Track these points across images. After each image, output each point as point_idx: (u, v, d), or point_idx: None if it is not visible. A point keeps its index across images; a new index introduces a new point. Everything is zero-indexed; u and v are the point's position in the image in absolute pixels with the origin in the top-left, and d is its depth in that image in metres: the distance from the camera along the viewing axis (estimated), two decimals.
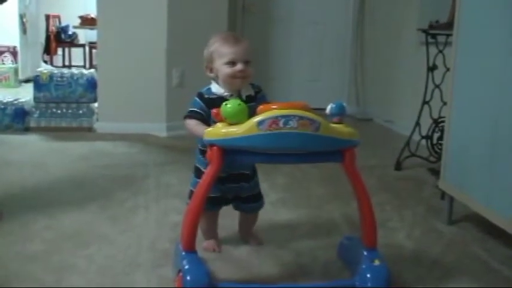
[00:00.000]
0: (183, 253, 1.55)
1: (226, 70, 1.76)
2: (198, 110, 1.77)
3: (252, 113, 1.51)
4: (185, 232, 1.56)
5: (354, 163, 1.56)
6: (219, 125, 1.52)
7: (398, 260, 1.86)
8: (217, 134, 1.50)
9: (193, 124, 1.75)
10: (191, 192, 1.82)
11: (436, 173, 2.72)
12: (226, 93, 1.78)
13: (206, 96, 1.80)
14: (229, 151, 1.50)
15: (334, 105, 1.55)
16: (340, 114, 1.55)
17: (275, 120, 1.43)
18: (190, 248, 1.55)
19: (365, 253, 1.59)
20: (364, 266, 1.56)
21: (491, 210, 1.90)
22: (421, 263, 1.87)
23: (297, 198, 2.53)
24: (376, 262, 1.55)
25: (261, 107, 1.51)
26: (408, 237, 2.09)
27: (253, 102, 1.76)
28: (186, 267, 1.50)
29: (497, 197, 1.88)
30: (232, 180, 1.83)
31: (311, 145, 1.48)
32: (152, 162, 3.16)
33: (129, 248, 1.90)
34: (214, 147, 1.50)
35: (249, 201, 1.90)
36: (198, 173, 1.79)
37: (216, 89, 1.80)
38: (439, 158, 2.82)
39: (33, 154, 3.29)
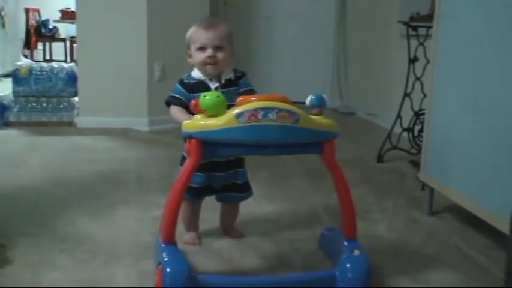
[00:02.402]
0: (163, 245, 1.54)
1: (197, 56, 1.76)
2: (177, 96, 1.77)
3: (231, 98, 1.52)
4: (164, 224, 1.54)
5: (333, 155, 1.56)
6: (197, 116, 1.50)
7: (378, 250, 1.87)
8: (195, 126, 1.48)
9: (176, 111, 1.73)
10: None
11: (417, 165, 2.74)
12: (205, 78, 1.78)
13: (186, 81, 1.79)
14: (208, 143, 1.49)
15: (313, 97, 1.55)
16: (319, 105, 1.55)
17: (254, 112, 1.43)
18: (169, 240, 1.54)
19: (345, 243, 1.60)
20: (344, 256, 1.56)
21: (470, 201, 1.92)
22: (401, 254, 1.89)
23: (279, 191, 2.53)
24: (356, 252, 1.56)
25: (240, 98, 1.50)
26: (389, 229, 2.11)
27: (233, 86, 1.78)
28: (166, 259, 1.49)
29: (476, 188, 1.90)
30: (218, 169, 1.81)
31: (290, 137, 1.48)
32: (133, 157, 3.14)
33: (110, 242, 1.89)
34: (193, 140, 1.48)
35: (236, 191, 1.88)
36: (183, 162, 1.78)
37: (196, 74, 1.80)
38: (420, 150, 2.84)
39: (13, 149, 3.25)
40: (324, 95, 1.57)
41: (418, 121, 3.15)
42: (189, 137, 1.50)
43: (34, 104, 3.96)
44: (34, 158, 3.03)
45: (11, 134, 3.66)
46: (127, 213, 2.19)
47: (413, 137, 3.18)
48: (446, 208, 2.30)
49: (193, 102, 1.55)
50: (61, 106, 3.99)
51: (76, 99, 4.07)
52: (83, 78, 3.97)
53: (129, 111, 3.92)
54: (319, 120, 1.52)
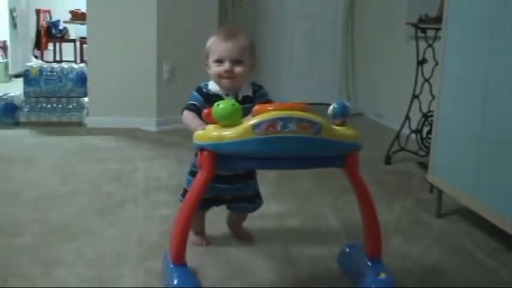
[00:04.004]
0: (172, 266, 1.45)
1: (214, 68, 1.66)
2: (194, 103, 1.66)
3: (246, 115, 1.40)
4: (174, 245, 1.44)
5: (357, 169, 1.45)
6: (210, 127, 1.40)
7: (385, 253, 1.85)
8: (208, 137, 1.37)
9: (188, 117, 1.62)
10: (185, 191, 1.75)
11: (425, 166, 2.73)
12: (221, 92, 1.68)
13: (204, 90, 1.69)
14: (221, 156, 1.38)
15: (336, 105, 1.44)
16: (342, 114, 1.43)
17: (272, 123, 1.31)
18: (179, 262, 1.44)
19: (369, 264, 1.50)
20: (368, 279, 1.46)
21: (478, 203, 1.91)
22: (409, 256, 1.88)
23: (286, 192, 2.54)
24: (382, 275, 1.46)
25: (256, 107, 1.38)
26: (396, 230, 2.10)
27: (250, 103, 1.62)
28: (175, 282, 1.42)
29: (484, 190, 1.89)
30: (226, 181, 1.74)
31: (311, 149, 1.36)
32: (141, 157, 3.15)
33: (117, 242, 1.90)
34: (205, 152, 1.38)
35: (245, 201, 1.82)
36: (191, 172, 1.75)
37: (213, 86, 1.70)
38: (428, 152, 2.83)
39: (22, 149, 3.27)
40: (347, 103, 1.47)
41: (426, 123, 3.14)
42: (200, 149, 1.40)
43: (44, 104, 3.99)
44: (44, 158, 3.05)
45: (21, 133, 3.69)
46: (135, 212, 2.21)
47: (422, 138, 3.18)
48: (455, 210, 2.29)
49: (205, 111, 1.44)
50: (71, 106, 4.02)
51: (86, 99, 4.09)
52: (93, 78, 3.99)
53: (138, 112, 3.95)
54: (343, 131, 1.41)
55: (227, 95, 1.67)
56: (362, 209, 1.49)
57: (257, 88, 1.73)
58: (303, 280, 1.68)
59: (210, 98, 1.64)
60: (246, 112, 1.40)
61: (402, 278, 1.69)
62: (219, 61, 1.64)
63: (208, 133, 1.38)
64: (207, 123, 1.44)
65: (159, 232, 1.97)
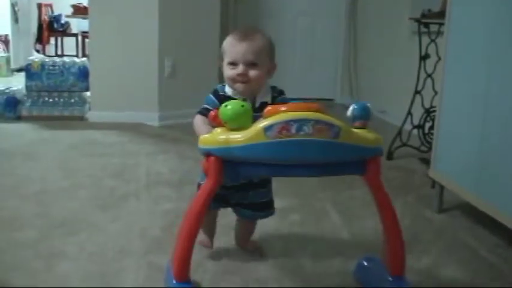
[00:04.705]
0: (174, 282, 1.31)
1: (227, 72, 1.51)
2: (208, 107, 1.50)
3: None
4: (177, 259, 1.31)
5: (379, 176, 1.33)
6: (217, 130, 1.28)
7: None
8: (214, 141, 1.25)
9: (199, 122, 1.48)
10: (199, 186, 1.56)
11: (427, 162, 2.73)
12: (238, 97, 1.51)
13: (221, 93, 1.55)
14: (229, 162, 1.26)
15: (356, 106, 1.32)
16: (363, 117, 1.31)
17: (286, 125, 1.19)
18: (183, 279, 1.30)
19: (390, 280, 1.39)
20: None
21: (480, 199, 1.91)
22: (410, 251, 1.88)
23: (288, 187, 2.53)
24: None
25: (267, 108, 1.27)
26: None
27: None
28: None
29: (486, 186, 1.89)
30: (237, 189, 1.61)
31: (329, 155, 1.24)
32: (143, 151, 3.15)
33: (119, 236, 1.90)
34: (212, 158, 1.26)
35: (253, 208, 1.66)
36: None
37: (228, 90, 1.56)
38: (430, 148, 2.83)
39: (24, 143, 3.28)
40: (368, 104, 1.34)
41: (428, 118, 3.13)
42: (207, 154, 1.28)
43: (46, 99, 3.99)
44: (45, 152, 3.06)
45: (23, 127, 3.69)
46: (137, 207, 2.21)
47: (424, 134, 3.17)
48: (456, 206, 2.29)
49: (212, 113, 1.31)
50: (73, 101, 4.02)
51: (87, 93, 4.09)
52: (95, 73, 3.99)
53: (140, 106, 3.94)
54: (363, 134, 1.29)
55: (244, 100, 1.47)
56: (384, 221, 1.37)
57: (277, 94, 1.57)
58: (304, 276, 1.68)
59: (226, 101, 1.45)
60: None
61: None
62: (233, 64, 1.50)
63: (215, 137, 1.26)
64: (214, 126, 1.32)
65: (161, 226, 1.97)
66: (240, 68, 1.48)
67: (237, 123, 1.24)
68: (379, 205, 1.36)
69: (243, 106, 1.25)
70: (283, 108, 1.24)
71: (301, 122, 1.20)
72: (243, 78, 1.49)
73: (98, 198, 2.28)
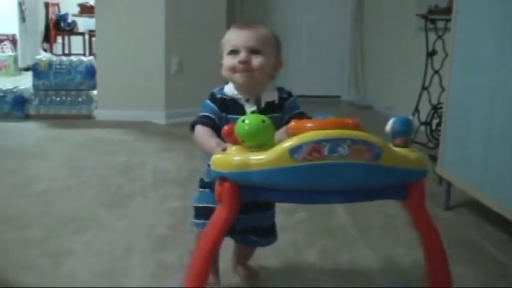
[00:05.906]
0: None
1: (227, 62, 1.32)
2: (208, 114, 1.32)
3: (275, 128, 1.07)
4: None
5: (423, 202, 1.14)
6: (232, 150, 1.07)
7: (394, 244, 1.86)
8: (230, 164, 1.03)
9: (202, 135, 1.27)
10: (196, 210, 1.42)
11: (434, 159, 2.71)
12: (240, 97, 1.34)
13: (218, 96, 1.35)
14: (247, 187, 1.05)
15: (396, 120, 1.12)
16: (405, 133, 1.12)
17: (317, 146, 1.00)
18: None
19: None
20: None
21: (488, 195, 1.90)
22: (417, 248, 1.87)
23: None
24: None
25: (292, 124, 1.07)
26: (404, 222, 2.09)
27: (277, 112, 1.33)
28: None
29: (494, 182, 1.88)
30: (241, 211, 1.35)
31: (368, 180, 1.05)
32: (150, 149, 3.16)
33: (126, 234, 1.91)
34: (226, 183, 1.04)
35: (257, 234, 1.46)
36: (202, 183, 1.42)
37: (229, 89, 1.36)
38: (437, 144, 2.82)
39: (32, 142, 3.30)
40: (410, 117, 1.15)
41: (435, 115, 3.12)
42: (220, 178, 1.06)
43: (53, 97, 4.02)
44: (53, 150, 3.07)
45: (31, 126, 3.71)
46: (144, 205, 2.21)
47: (431, 130, 3.16)
48: (464, 203, 2.28)
49: (225, 128, 1.11)
50: (80, 99, 4.04)
51: (95, 92, 4.11)
52: (102, 71, 4.01)
53: (147, 105, 3.95)
54: (405, 155, 1.09)
55: (247, 100, 1.33)
56: (427, 254, 1.18)
57: (285, 96, 1.37)
58: (310, 271, 1.68)
59: (227, 104, 1.33)
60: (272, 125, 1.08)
61: (411, 270, 1.69)
62: (234, 51, 1.31)
63: (230, 158, 1.05)
64: (227, 143, 1.14)
65: (167, 224, 1.98)
66: (242, 55, 1.30)
67: (256, 142, 1.04)
68: (423, 236, 1.18)
69: (263, 121, 1.03)
70: (309, 125, 1.03)
71: (335, 141, 1.00)
72: (245, 66, 1.30)
73: (105, 197, 2.29)
